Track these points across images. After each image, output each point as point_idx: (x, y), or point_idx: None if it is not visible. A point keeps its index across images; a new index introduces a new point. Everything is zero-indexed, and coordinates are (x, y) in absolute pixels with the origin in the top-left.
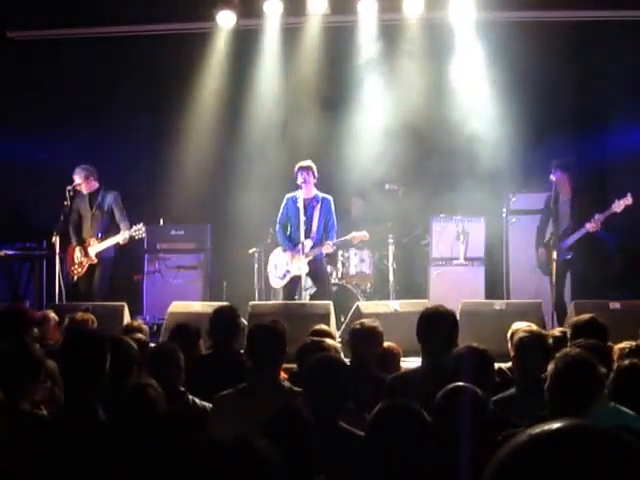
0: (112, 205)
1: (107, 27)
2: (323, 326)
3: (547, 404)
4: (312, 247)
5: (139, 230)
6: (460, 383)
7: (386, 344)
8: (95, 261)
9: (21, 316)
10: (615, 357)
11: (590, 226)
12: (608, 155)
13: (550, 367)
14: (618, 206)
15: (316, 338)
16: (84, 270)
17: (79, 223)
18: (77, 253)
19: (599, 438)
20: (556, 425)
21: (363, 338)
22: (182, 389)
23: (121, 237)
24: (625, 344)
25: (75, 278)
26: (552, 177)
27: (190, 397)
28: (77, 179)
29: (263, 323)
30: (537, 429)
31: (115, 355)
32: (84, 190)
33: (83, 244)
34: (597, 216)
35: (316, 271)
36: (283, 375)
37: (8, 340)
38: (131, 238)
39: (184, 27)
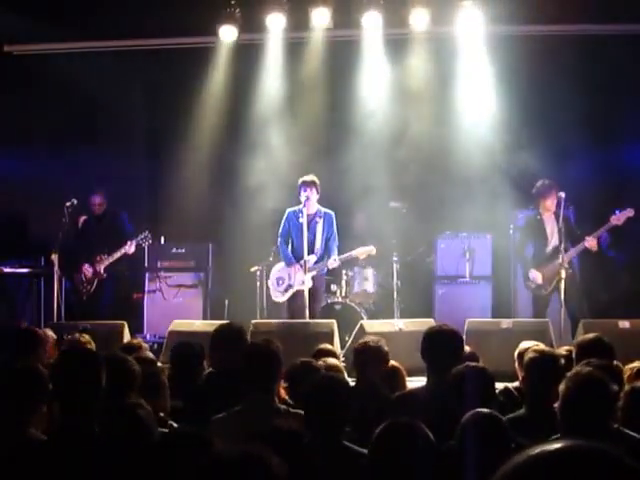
0: (119, 224)
1: (107, 41)
2: (327, 345)
3: (559, 424)
4: (316, 262)
5: (145, 237)
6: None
7: (390, 363)
8: (104, 276)
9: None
10: (625, 377)
11: (589, 242)
12: (620, 171)
13: (561, 387)
14: (617, 219)
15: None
16: (94, 287)
17: (87, 241)
18: (86, 271)
19: (597, 460)
20: (555, 446)
21: (367, 357)
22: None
23: (128, 247)
24: (636, 364)
25: (85, 297)
26: (539, 200)
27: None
28: (98, 200)
29: (256, 343)
30: (536, 450)
31: (117, 374)
32: (97, 212)
33: (91, 262)
34: (592, 235)
35: (315, 288)
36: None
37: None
38: (138, 246)
39: (185, 42)
